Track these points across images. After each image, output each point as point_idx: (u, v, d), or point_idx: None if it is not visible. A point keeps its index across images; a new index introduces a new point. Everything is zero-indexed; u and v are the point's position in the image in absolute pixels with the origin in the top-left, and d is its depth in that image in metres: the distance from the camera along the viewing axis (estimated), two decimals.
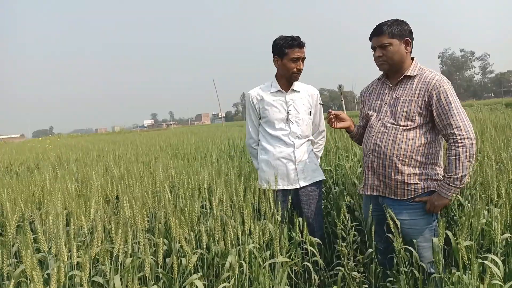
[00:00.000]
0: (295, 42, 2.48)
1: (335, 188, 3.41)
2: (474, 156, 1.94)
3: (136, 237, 1.80)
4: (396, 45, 2.03)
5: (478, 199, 2.14)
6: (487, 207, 2.12)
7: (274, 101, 2.60)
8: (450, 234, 1.77)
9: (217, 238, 1.83)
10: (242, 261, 1.79)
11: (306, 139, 2.66)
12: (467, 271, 1.71)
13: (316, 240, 2.44)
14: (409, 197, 2.05)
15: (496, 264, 1.74)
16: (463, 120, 1.91)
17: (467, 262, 1.64)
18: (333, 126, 2.32)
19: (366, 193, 2.22)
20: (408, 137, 2.01)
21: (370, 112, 2.21)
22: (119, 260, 1.59)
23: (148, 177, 2.50)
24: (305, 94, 2.67)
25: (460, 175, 1.89)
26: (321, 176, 2.71)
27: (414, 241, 2.01)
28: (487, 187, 2.07)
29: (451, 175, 1.91)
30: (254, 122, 2.69)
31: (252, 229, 1.92)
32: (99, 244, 1.60)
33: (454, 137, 1.90)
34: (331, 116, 2.31)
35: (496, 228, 1.78)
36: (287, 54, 2.50)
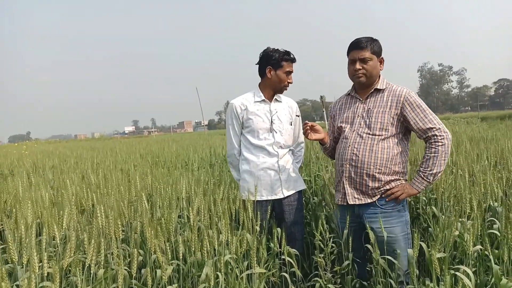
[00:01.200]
0: (291, 57, 2.59)
1: (313, 199, 3.43)
2: (449, 156, 2.09)
3: (110, 248, 1.76)
4: (375, 61, 2.17)
5: (452, 211, 2.19)
6: (460, 220, 2.17)
7: (258, 110, 2.61)
8: (424, 245, 1.80)
9: (193, 249, 1.81)
10: (218, 272, 1.78)
11: (288, 149, 2.68)
12: (440, 283, 1.74)
13: (294, 251, 2.45)
14: (379, 197, 2.15)
15: (468, 275, 1.77)
16: (441, 123, 2.10)
17: (439, 273, 1.67)
18: (308, 137, 2.37)
19: (348, 203, 2.24)
20: (383, 146, 2.12)
21: (343, 125, 2.28)
22: (91, 271, 1.55)
23: (125, 185, 2.46)
24: (286, 105, 2.71)
25: (434, 171, 2.04)
26: (302, 186, 2.75)
27: (392, 250, 2.07)
28: (460, 200, 2.12)
29: (426, 170, 2.06)
30: (237, 132, 2.68)
31: (229, 240, 1.91)
32: (72, 254, 1.56)
33: (435, 137, 2.06)
34: (307, 127, 2.36)
35: (468, 240, 1.82)
36: (282, 66, 2.57)
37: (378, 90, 2.20)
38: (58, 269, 1.40)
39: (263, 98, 2.62)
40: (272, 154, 2.59)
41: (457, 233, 1.96)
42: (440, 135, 2.05)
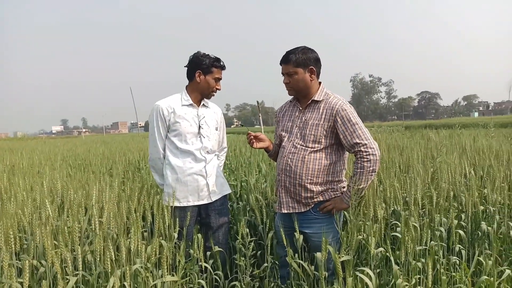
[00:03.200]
0: (221, 64, 2.60)
1: (238, 204, 3.45)
2: (376, 172, 2.14)
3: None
4: (301, 74, 2.19)
5: (360, 215, 2.32)
6: (367, 223, 2.30)
7: (186, 114, 2.56)
8: (331, 249, 1.87)
9: (98, 259, 1.72)
10: (125, 282, 1.70)
11: (214, 154, 2.68)
12: (346, 284, 1.83)
13: (219, 249, 2.48)
14: (314, 206, 2.20)
15: (370, 277, 1.88)
16: (368, 139, 2.11)
17: (341, 275, 1.75)
18: (253, 146, 2.40)
19: (282, 211, 2.30)
20: (315, 157, 2.17)
21: (283, 133, 2.33)
22: None
23: (30, 191, 2.28)
24: (212, 111, 2.72)
25: (361, 186, 2.09)
26: (228, 190, 2.77)
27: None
28: (368, 205, 2.25)
29: (354, 186, 2.09)
30: (163, 135, 2.59)
31: (140, 248, 1.84)
32: None
33: (361, 153, 2.09)
34: (251, 137, 2.39)
35: (371, 243, 1.94)
36: (212, 72, 2.56)
37: (315, 101, 2.23)
38: None
39: (191, 102, 2.59)
40: (199, 159, 2.56)
41: (361, 236, 2.07)
42: (365, 151, 2.08)
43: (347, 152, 2.29)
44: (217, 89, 2.63)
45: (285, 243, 2.16)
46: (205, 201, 2.58)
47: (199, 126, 2.58)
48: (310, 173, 2.17)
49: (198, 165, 2.55)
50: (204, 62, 2.55)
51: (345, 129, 2.12)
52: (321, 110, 2.19)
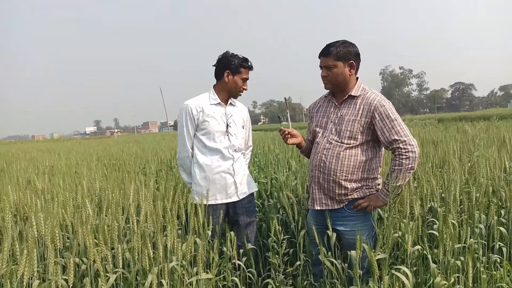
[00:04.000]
0: (249, 65, 2.64)
1: (269, 201, 3.46)
2: (415, 169, 2.08)
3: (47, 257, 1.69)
4: (340, 67, 2.14)
5: (395, 213, 2.27)
6: (403, 221, 2.25)
7: (214, 113, 2.60)
8: (366, 247, 1.85)
9: (136, 257, 1.77)
10: (162, 280, 1.75)
11: (241, 152, 2.71)
12: (381, 282, 1.80)
13: (252, 247, 2.51)
14: (348, 203, 2.17)
15: (407, 275, 1.84)
16: (407, 136, 2.05)
17: (377, 274, 1.73)
18: (287, 142, 2.40)
19: (315, 208, 2.27)
20: (350, 154, 2.13)
21: (317, 129, 2.30)
22: (24, 283, 1.49)
23: (71, 191, 2.37)
24: (239, 109, 2.74)
25: (399, 184, 2.02)
26: (255, 188, 2.79)
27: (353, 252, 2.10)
28: (403, 202, 2.20)
29: (391, 183, 2.04)
30: (191, 134, 2.63)
31: (176, 246, 1.89)
32: (3, 265, 1.49)
33: (400, 151, 2.04)
34: (285, 133, 2.38)
35: (408, 241, 1.90)
36: (240, 72, 2.59)
37: (352, 97, 2.18)
38: None
39: (219, 101, 2.62)
40: (226, 158, 2.59)
41: (397, 234, 2.03)
42: (404, 148, 2.03)
43: (383, 149, 2.23)
44: (244, 89, 2.65)
45: (317, 241, 2.15)
46: (233, 199, 2.61)
47: (227, 125, 2.61)
48: (345, 170, 2.13)
49: (226, 163, 2.58)
50: (233, 63, 2.57)
51: (383, 125, 2.06)
52: (358, 106, 2.14)
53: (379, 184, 2.23)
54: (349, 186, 2.14)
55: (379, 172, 2.26)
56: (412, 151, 2.03)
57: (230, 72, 2.58)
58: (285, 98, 3.00)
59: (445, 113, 57.48)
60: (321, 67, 2.21)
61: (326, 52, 2.16)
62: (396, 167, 2.05)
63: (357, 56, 2.18)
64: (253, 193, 2.77)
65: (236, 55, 2.62)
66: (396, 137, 2.04)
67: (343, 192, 2.15)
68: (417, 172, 2.82)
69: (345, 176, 2.13)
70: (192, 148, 2.65)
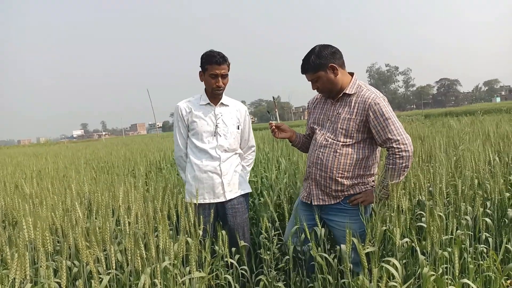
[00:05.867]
0: (214, 59, 2.49)
1: (259, 200, 3.47)
2: (409, 167, 2.11)
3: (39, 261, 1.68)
4: (323, 76, 2.16)
5: (384, 206, 2.31)
6: (392, 214, 2.29)
7: (203, 113, 2.61)
8: (355, 241, 1.88)
9: (129, 257, 1.78)
10: (156, 279, 1.76)
11: (234, 153, 2.68)
12: (371, 275, 1.83)
13: (245, 244, 2.51)
14: (344, 199, 2.20)
15: (396, 268, 1.88)
16: (401, 134, 2.06)
17: (366, 267, 1.76)
18: (276, 136, 2.43)
19: (313, 203, 2.29)
20: (347, 152, 2.15)
21: (315, 126, 2.33)
22: (15, 286, 1.48)
23: (60, 194, 2.36)
24: (234, 108, 2.71)
25: (393, 181, 2.05)
26: (247, 189, 2.75)
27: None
28: (392, 196, 2.23)
29: (385, 181, 2.07)
30: (183, 134, 2.67)
31: (167, 246, 1.89)
32: None
33: (393, 150, 2.06)
34: (274, 127, 2.41)
35: (396, 234, 1.93)
36: (207, 69, 2.53)
37: (347, 95, 2.19)
38: None
39: (208, 101, 2.63)
40: (214, 158, 2.59)
41: (385, 227, 2.06)
42: (397, 147, 2.04)
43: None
44: (217, 86, 2.53)
45: (308, 236, 2.18)
46: (220, 199, 2.60)
47: (216, 125, 2.61)
48: (341, 167, 2.15)
49: (213, 163, 2.58)
50: (202, 61, 2.55)
51: (377, 124, 2.07)
52: (353, 104, 2.15)
53: (373, 181, 2.26)
54: (345, 183, 2.17)
55: (376, 168, 2.28)
56: (405, 150, 2.04)
57: (202, 72, 2.58)
58: (273, 97, 3.00)
59: (431, 109, 58.27)
60: (309, 81, 2.25)
61: (304, 70, 2.21)
62: (390, 166, 2.07)
63: (333, 55, 2.16)
64: (245, 194, 2.73)
65: (206, 52, 2.55)
66: (390, 136, 2.05)
67: (339, 188, 2.19)
68: None
69: (341, 173, 2.16)
70: (186, 148, 2.68)
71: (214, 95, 2.62)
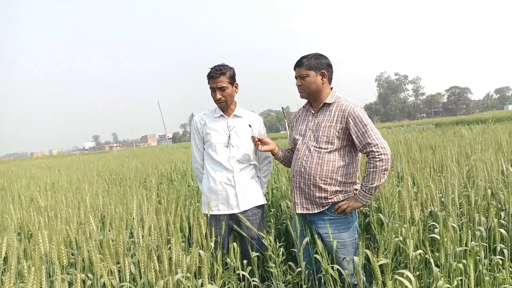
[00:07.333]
0: (210, 74, 2.60)
1: (270, 211, 3.48)
2: (389, 170, 2.19)
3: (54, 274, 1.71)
4: (312, 76, 2.29)
5: (396, 218, 2.30)
6: (404, 226, 2.27)
7: (217, 125, 2.67)
8: (369, 252, 1.87)
9: (142, 270, 1.79)
10: None
11: (248, 164, 2.69)
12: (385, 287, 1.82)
13: (257, 254, 2.51)
14: (329, 207, 2.26)
15: (410, 280, 1.86)
16: (379, 139, 2.17)
17: (380, 279, 1.75)
18: (258, 149, 2.52)
19: (296, 212, 2.35)
20: (329, 159, 2.24)
21: (297, 137, 2.42)
22: None
23: (74, 207, 2.39)
24: (248, 120, 2.74)
25: (375, 185, 2.14)
26: (262, 201, 2.74)
27: (341, 255, 2.19)
28: (404, 207, 2.23)
29: (367, 184, 2.15)
30: (199, 146, 2.75)
31: (180, 258, 1.90)
32: (11, 283, 1.50)
33: (373, 153, 2.15)
34: (256, 140, 2.50)
35: (409, 245, 1.92)
36: (209, 84, 2.64)
37: (327, 104, 2.32)
38: None
39: (221, 113, 2.69)
40: (227, 169, 2.62)
41: (398, 239, 2.05)
42: (377, 151, 2.14)
43: (360, 155, 2.35)
44: (217, 99, 2.61)
45: (299, 247, 2.19)
46: (235, 211, 2.61)
47: (229, 136, 2.64)
48: (324, 174, 2.23)
49: (227, 174, 2.62)
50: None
51: (357, 130, 2.18)
52: (333, 113, 2.27)
53: (356, 189, 2.31)
54: (328, 189, 2.24)
55: (357, 176, 2.35)
56: (384, 153, 2.14)
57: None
58: (282, 108, 3.04)
59: (442, 117, 57.76)
60: (296, 77, 2.36)
61: (299, 63, 2.32)
62: (371, 169, 2.15)
63: (328, 67, 2.33)
64: (260, 206, 2.72)
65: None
66: (369, 141, 2.15)
67: (323, 195, 2.25)
68: (416, 177, 2.85)
69: (324, 180, 2.24)
70: (203, 160, 2.75)
71: (220, 108, 2.69)
